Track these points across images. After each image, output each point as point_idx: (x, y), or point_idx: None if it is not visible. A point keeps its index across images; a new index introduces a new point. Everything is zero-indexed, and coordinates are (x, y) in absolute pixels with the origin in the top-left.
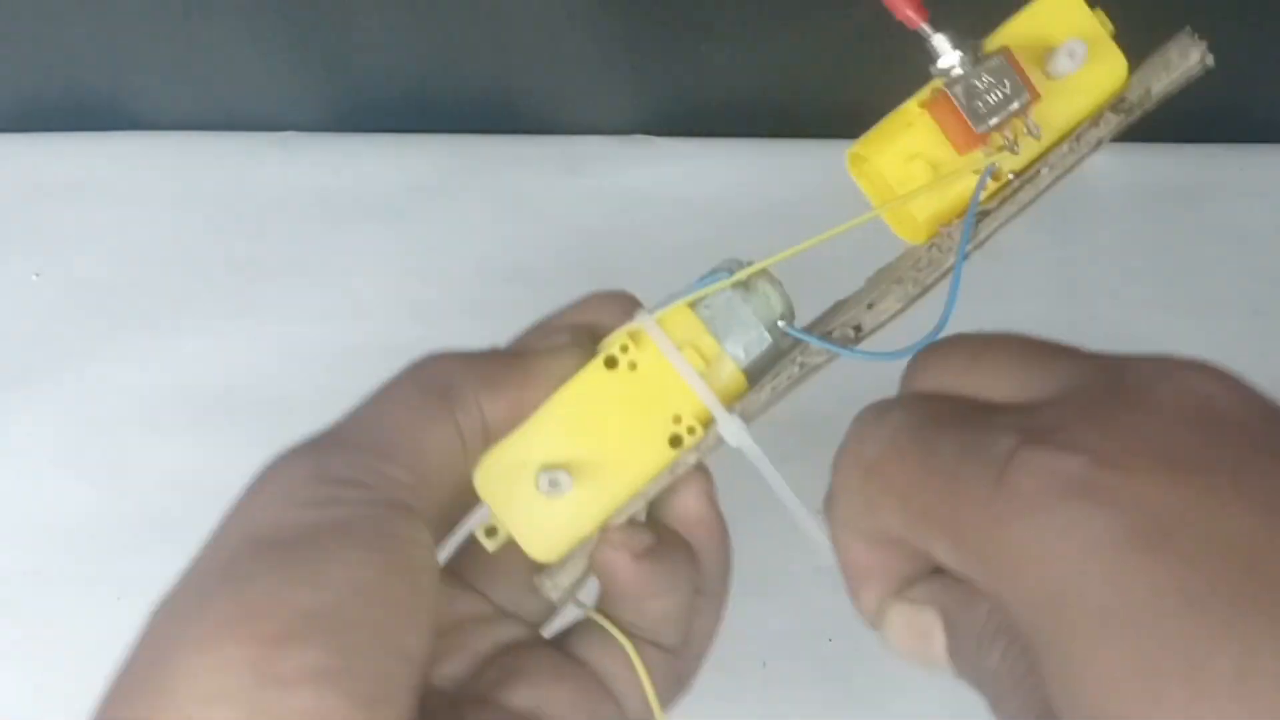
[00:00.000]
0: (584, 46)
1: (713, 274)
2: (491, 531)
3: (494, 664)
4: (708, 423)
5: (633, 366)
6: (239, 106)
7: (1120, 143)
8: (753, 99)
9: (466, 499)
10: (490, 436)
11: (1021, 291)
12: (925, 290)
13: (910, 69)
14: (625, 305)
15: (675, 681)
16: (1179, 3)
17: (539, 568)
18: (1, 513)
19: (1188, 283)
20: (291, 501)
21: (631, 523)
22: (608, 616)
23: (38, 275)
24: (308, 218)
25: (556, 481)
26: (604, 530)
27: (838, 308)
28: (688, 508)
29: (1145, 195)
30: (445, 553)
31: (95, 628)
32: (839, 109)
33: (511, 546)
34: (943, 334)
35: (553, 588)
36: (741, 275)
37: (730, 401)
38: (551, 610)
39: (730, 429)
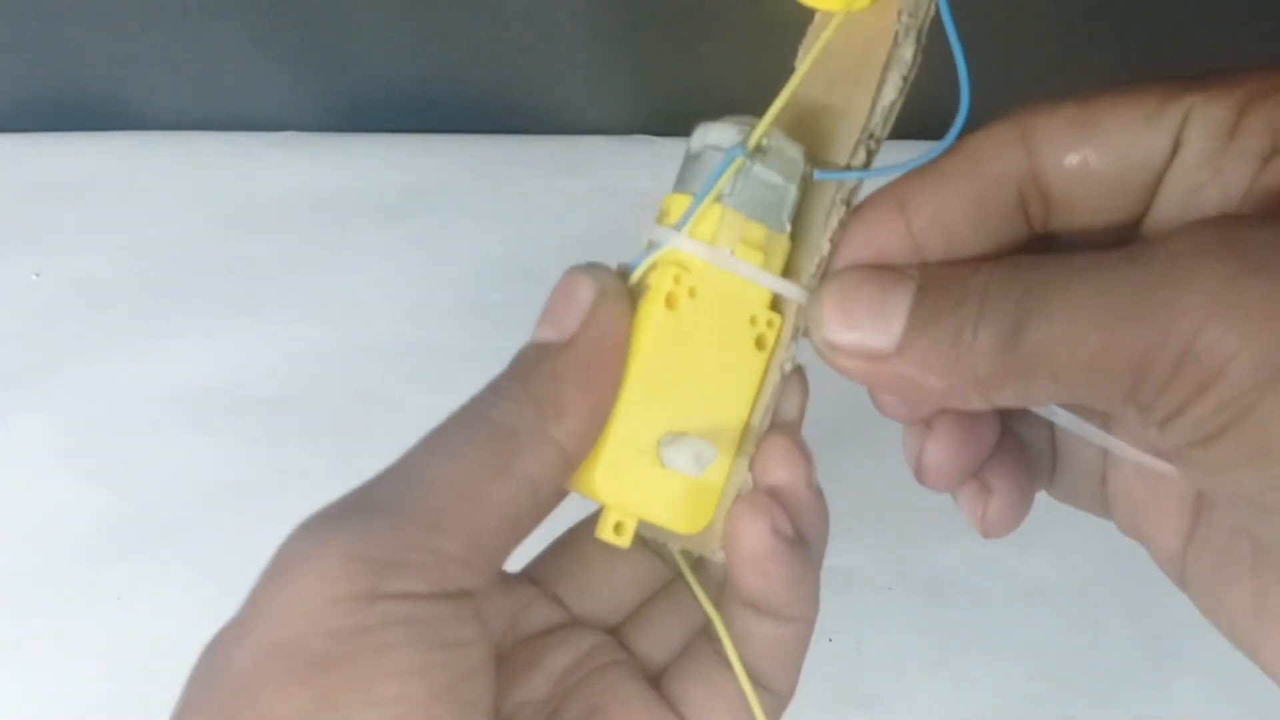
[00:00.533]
0: (584, 46)
1: (703, 151)
2: (620, 528)
3: (576, 696)
4: (778, 308)
5: (692, 293)
6: (239, 106)
7: None
8: (752, 99)
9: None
10: (575, 459)
11: None
12: (917, 61)
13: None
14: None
15: None
16: (1181, 3)
17: (670, 542)
18: (1, 513)
19: None
20: (325, 602)
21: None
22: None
23: (38, 275)
24: (308, 218)
25: (701, 455)
26: (742, 491)
27: (814, 121)
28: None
29: None
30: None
31: (95, 628)
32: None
33: (580, 542)
34: (967, 102)
35: (713, 550)
36: (753, 143)
37: (794, 274)
38: (631, 603)
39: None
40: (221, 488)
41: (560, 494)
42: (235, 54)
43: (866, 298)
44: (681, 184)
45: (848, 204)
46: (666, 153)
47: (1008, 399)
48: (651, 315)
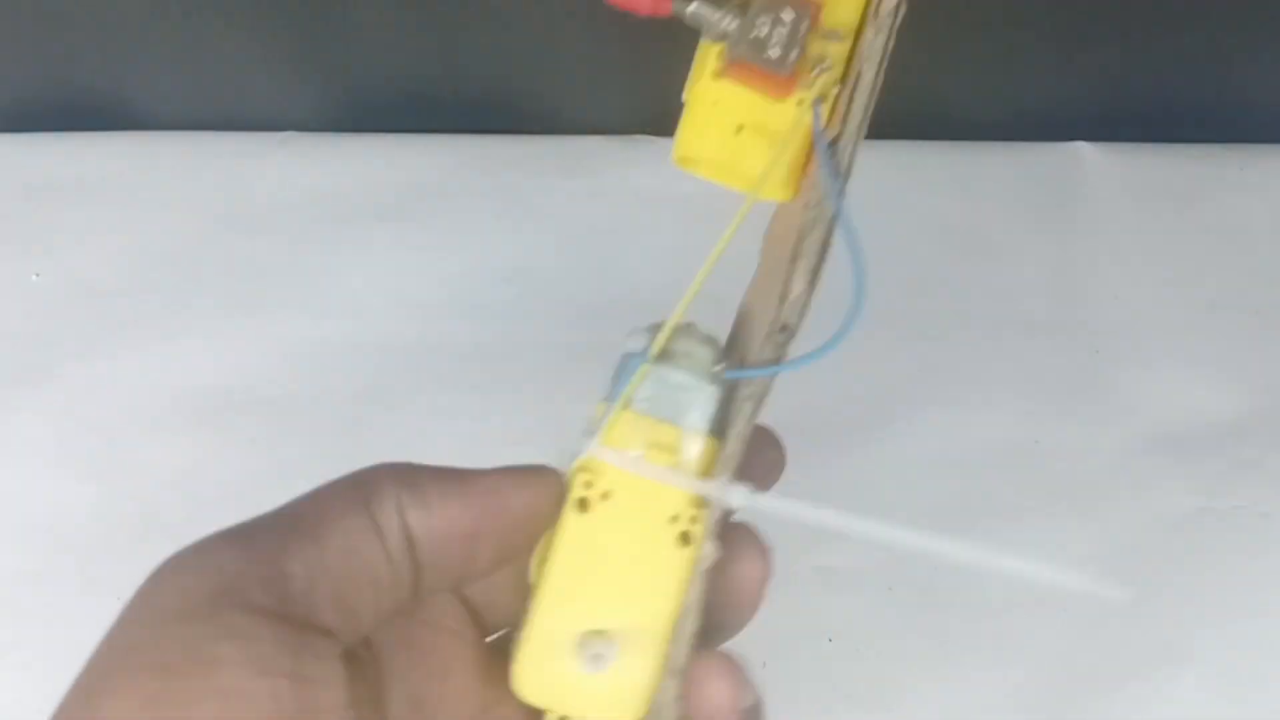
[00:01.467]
0: (584, 46)
1: (625, 360)
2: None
3: None
4: (704, 505)
5: (605, 496)
6: (239, 106)
7: (1120, 143)
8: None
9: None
10: (418, 552)
11: (1021, 291)
12: (826, 252)
13: (908, 69)
14: (545, 477)
15: None
16: (1181, 3)
17: None
18: (1, 513)
19: (1187, 283)
20: (173, 612)
21: (728, 663)
22: None
23: (38, 275)
24: (308, 218)
25: (600, 655)
26: (703, 661)
27: (747, 316)
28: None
29: (1145, 195)
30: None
31: (95, 628)
32: None
33: None
34: (864, 295)
35: None
36: (655, 348)
37: (710, 471)
38: None
39: (735, 499)
40: (221, 488)
41: (421, 569)
42: (235, 54)
43: None
44: (609, 392)
45: (757, 400)
46: (667, 153)
47: None
48: (564, 519)
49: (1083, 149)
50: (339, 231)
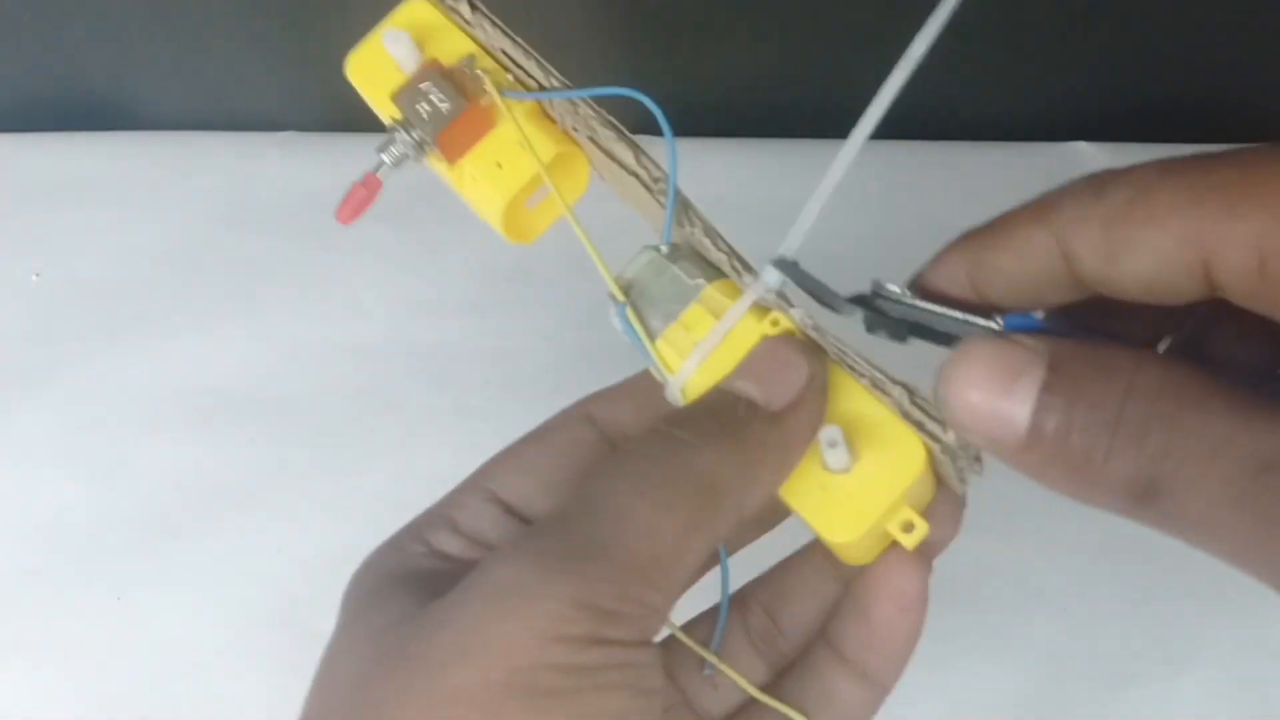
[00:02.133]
0: (584, 46)
1: (621, 323)
2: (909, 527)
3: None
4: (766, 311)
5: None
6: (239, 106)
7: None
8: (752, 99)
9: None
10: (749, 521)
11: None
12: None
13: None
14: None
15: None
16: (1181, 3)
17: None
18: (1, 513)
19: None
20: (553, 640)
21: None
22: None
23: (38, 275)
24: (308, 218)
25: (833, 440)
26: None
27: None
28: (902, 590)
29: None
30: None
31: (95, 628)
32: (839, 109)
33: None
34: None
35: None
36: (618, 292)
37: (736, 291)
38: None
39: (771, 278)
40: (221, 488)
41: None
42: (235, 54)
43: (990, 384)
44: (640, 351)
45: (685, 206)
46: (666, 152)
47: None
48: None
49: (1083, 149)
50: (339, 231)
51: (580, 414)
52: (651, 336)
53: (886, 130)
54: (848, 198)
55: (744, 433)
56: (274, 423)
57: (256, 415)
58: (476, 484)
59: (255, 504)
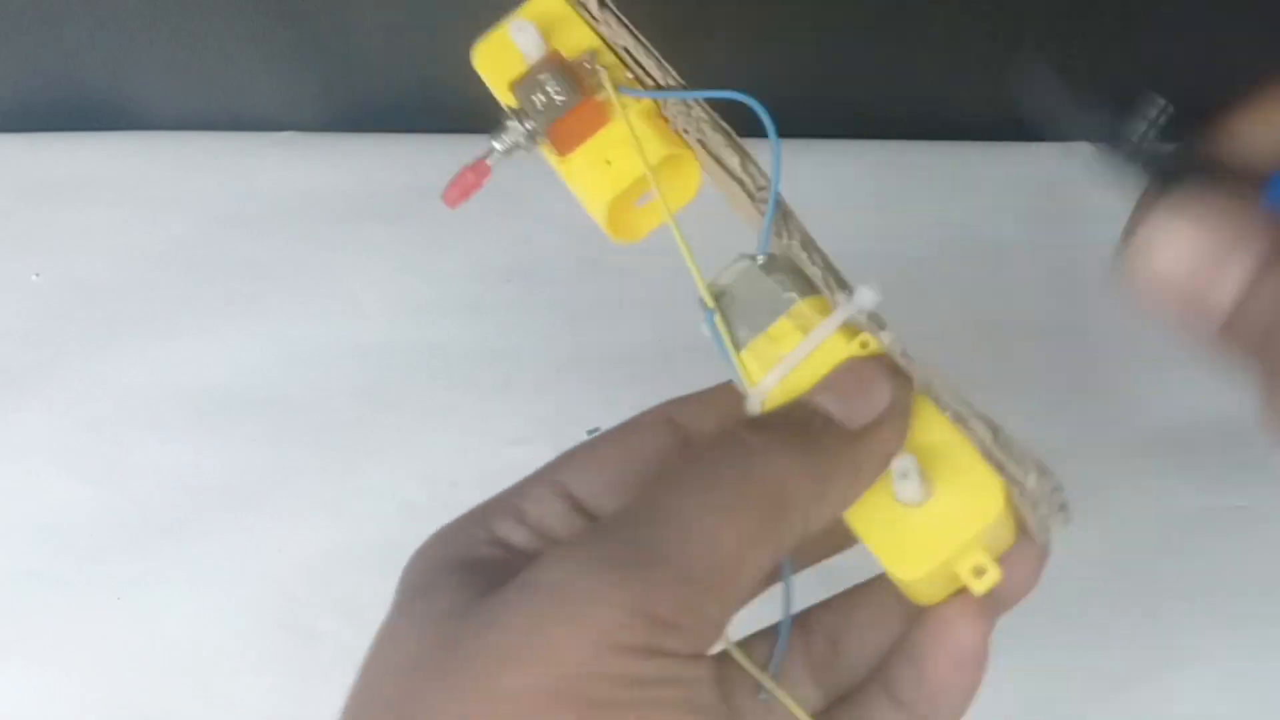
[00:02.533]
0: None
1: (710, 329)
2: (980, 571)
3: None
4: (856, 331)
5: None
6: (239, 106)
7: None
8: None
9: None
10: (814, 537)
11: (1021, 291)
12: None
13: (910, 69)
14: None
15: None
16: (1181, 3)
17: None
18: (1, 513)
19: None
20: (609, 649)
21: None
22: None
23: (38, 275)
24: (308, 218)
25: (905, 470)
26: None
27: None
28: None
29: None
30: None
31: (95, 628)
32: (839, 109)
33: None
34: None
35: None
36: (709, 299)
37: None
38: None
39: (863, 299)
40: (221, 488)
41: None
42: (235, 54)
43: (1201, 245)
44: (724, 361)
45: (802, 234)
46: None
47: None
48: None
49: (1083, 149)
50: (339, 231)
51: (662, 416)
52: (737, 346)
53: (887, 130)
54: (848, 198)
55: (818, 446)
56: (274, 423)
57: (256, 415)
58: (548, 476)
59: (255, 504)
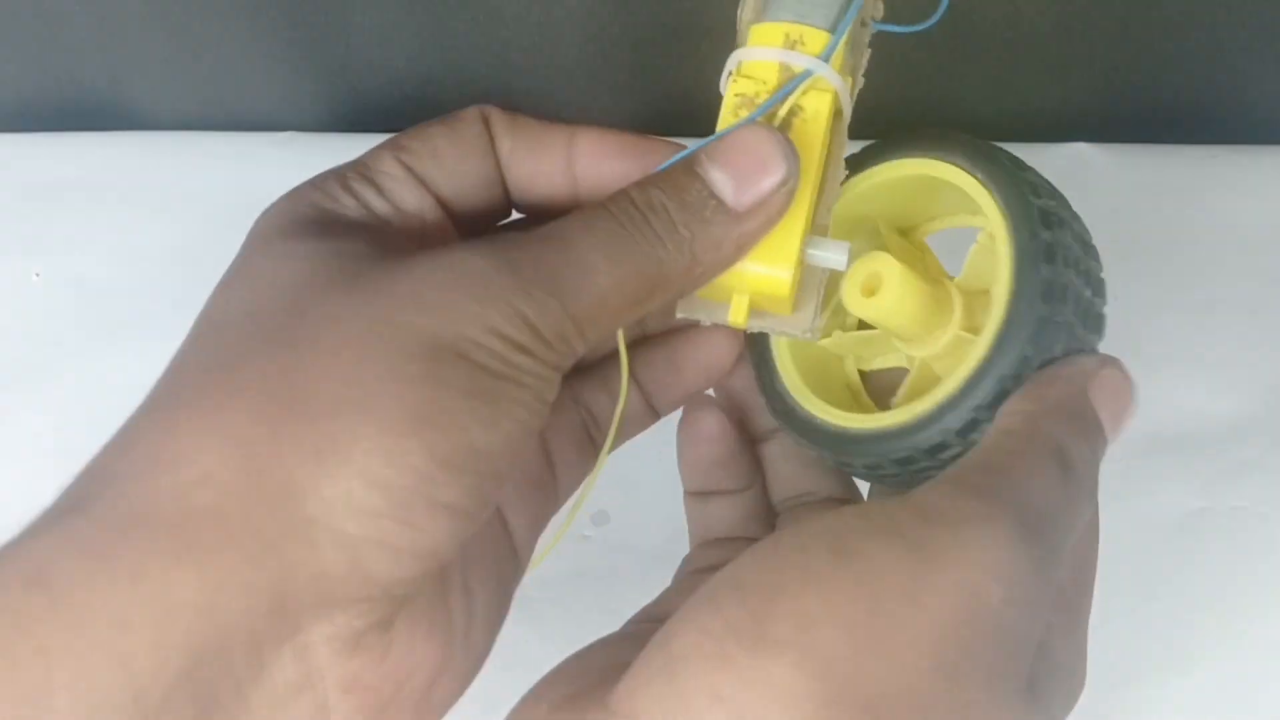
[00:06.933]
0: (584, 46)
1: None
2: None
3: None
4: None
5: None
6: (239, 106)
7: (1120, 143)
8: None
9: None
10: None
11: None
12: None
13: (909, 69)
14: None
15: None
16: (1181, 3)
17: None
18: (2, 513)
19: (1187, 283)
20: (493, 330)
21: None
22: None
23: (38, 275)
24: None
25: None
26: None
27: None
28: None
29: (1145, 195)
30: None
31: None
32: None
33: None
34: None
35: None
36: None
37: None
38: None
39: (828, 74)
40: None
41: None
42: (235, 54)
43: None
44: (774, 13)
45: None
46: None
47: None
48: (724, 112)
49: (1083, 149)
50: None
51: (479, 115)
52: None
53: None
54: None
55: (705, 235)
56: None
57: None
58: (393, 155)
59: None
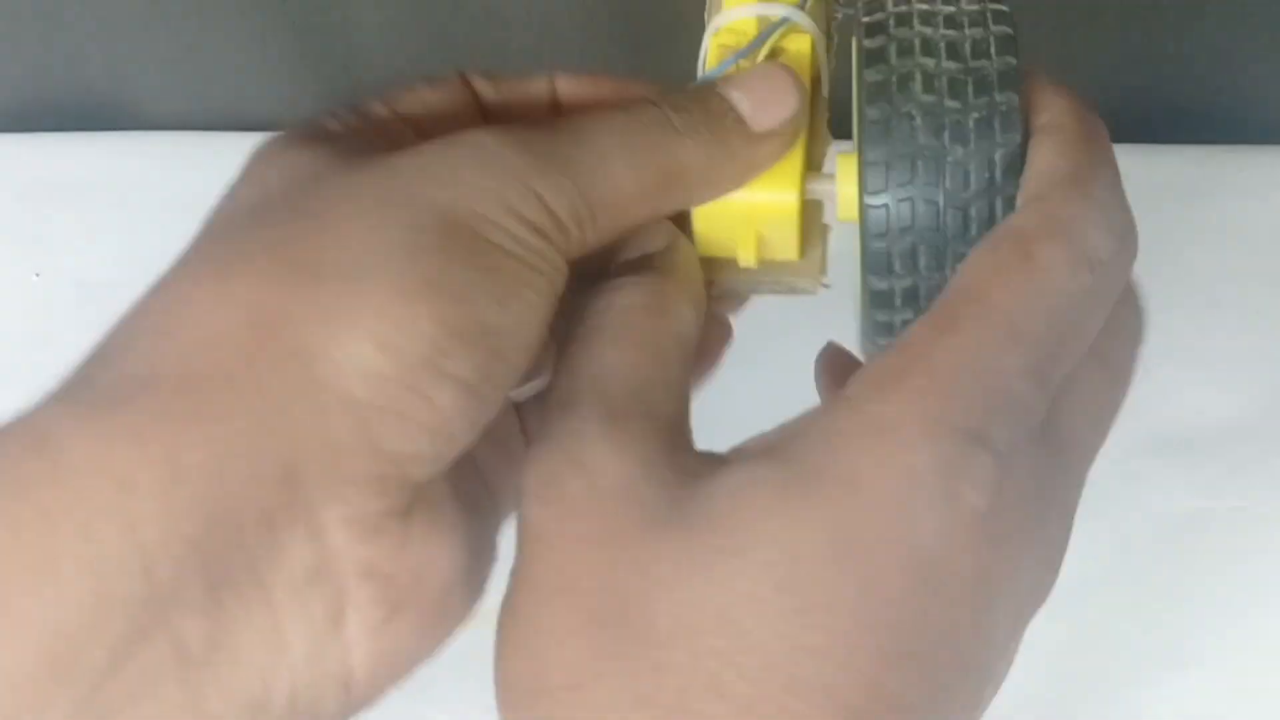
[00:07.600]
0: (584, 46)
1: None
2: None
3: None
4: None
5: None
6: (239, 106)
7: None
8: None
9: None
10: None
11: None
12: None
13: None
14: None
15: None
16: (1181, 3)
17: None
18: None
19: (1187, 282)
20: (507, 207)
21: None
22: None
23: (38, 275)
24: None
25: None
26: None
27: None
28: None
29: (1145, 195)
30: None
31: None
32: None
33: None
34: None
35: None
36: None
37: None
38: None
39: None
40: None
41: None
42: (235, 54)
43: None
44: None
45: None
46: None
47: None
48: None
49: None
50: None
51: (456, 72)
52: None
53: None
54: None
55: (725, 141)
56: None
57: None
58: (376, 100)
59: None
